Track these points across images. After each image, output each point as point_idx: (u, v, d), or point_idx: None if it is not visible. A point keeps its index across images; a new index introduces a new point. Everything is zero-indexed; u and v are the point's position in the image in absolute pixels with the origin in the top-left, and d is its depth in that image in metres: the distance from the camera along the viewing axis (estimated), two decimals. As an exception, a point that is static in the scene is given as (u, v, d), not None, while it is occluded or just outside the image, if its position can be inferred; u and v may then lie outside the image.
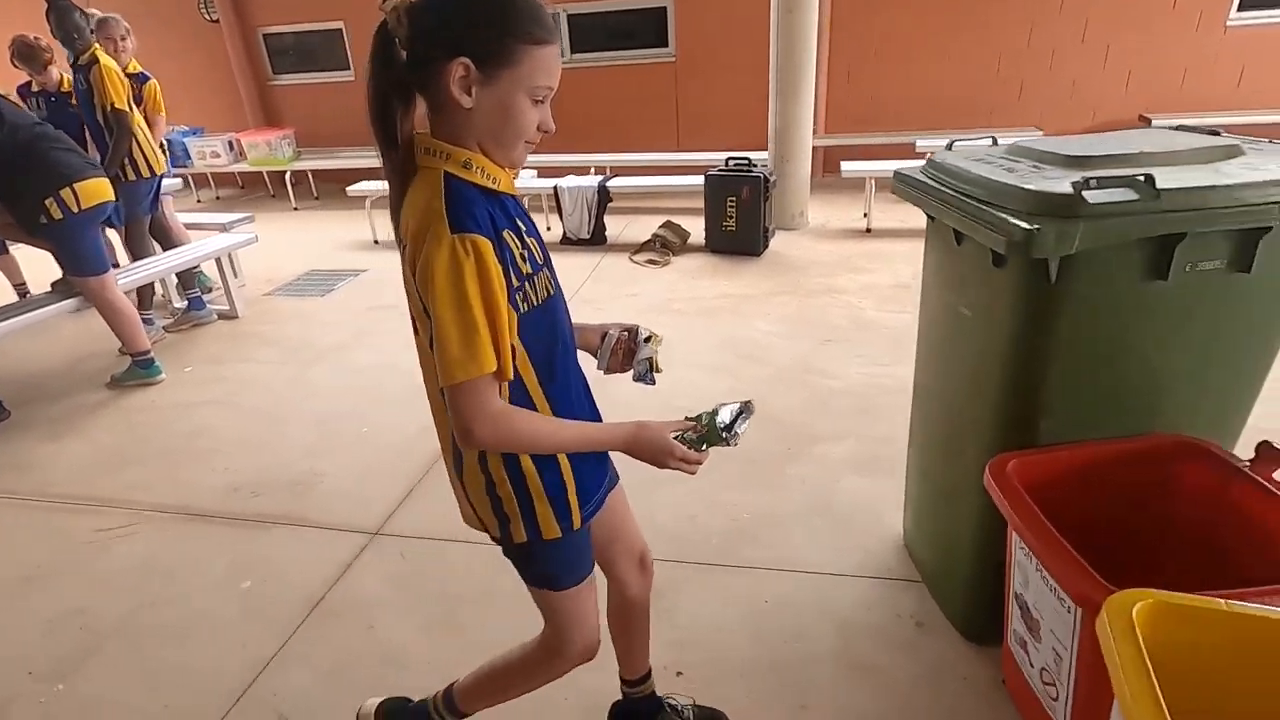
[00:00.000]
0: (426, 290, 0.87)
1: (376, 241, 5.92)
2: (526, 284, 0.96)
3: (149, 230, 4.14)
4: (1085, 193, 1.18)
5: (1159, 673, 0.74)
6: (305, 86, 8.17)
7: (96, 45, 3.71)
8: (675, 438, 1.02)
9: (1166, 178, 1.21)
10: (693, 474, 1.03)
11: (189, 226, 4.78)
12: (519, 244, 0.96)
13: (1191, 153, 1.34)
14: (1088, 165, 1.33)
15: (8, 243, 4.04)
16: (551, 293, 1.03)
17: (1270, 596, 0.96)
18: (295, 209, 7.39)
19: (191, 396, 3.34)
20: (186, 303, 4.28)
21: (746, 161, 4.85)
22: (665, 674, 1.65)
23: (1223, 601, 0.88)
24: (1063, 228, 1.17)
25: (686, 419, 1.07)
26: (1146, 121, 6.19)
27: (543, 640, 1.22)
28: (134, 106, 3.87)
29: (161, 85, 4.28)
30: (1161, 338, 1.33)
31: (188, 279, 4.27)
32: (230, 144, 7.43)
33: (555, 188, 5.45)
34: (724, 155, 5.05)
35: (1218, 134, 1.58)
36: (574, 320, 1.13)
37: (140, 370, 3.47)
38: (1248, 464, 1.29)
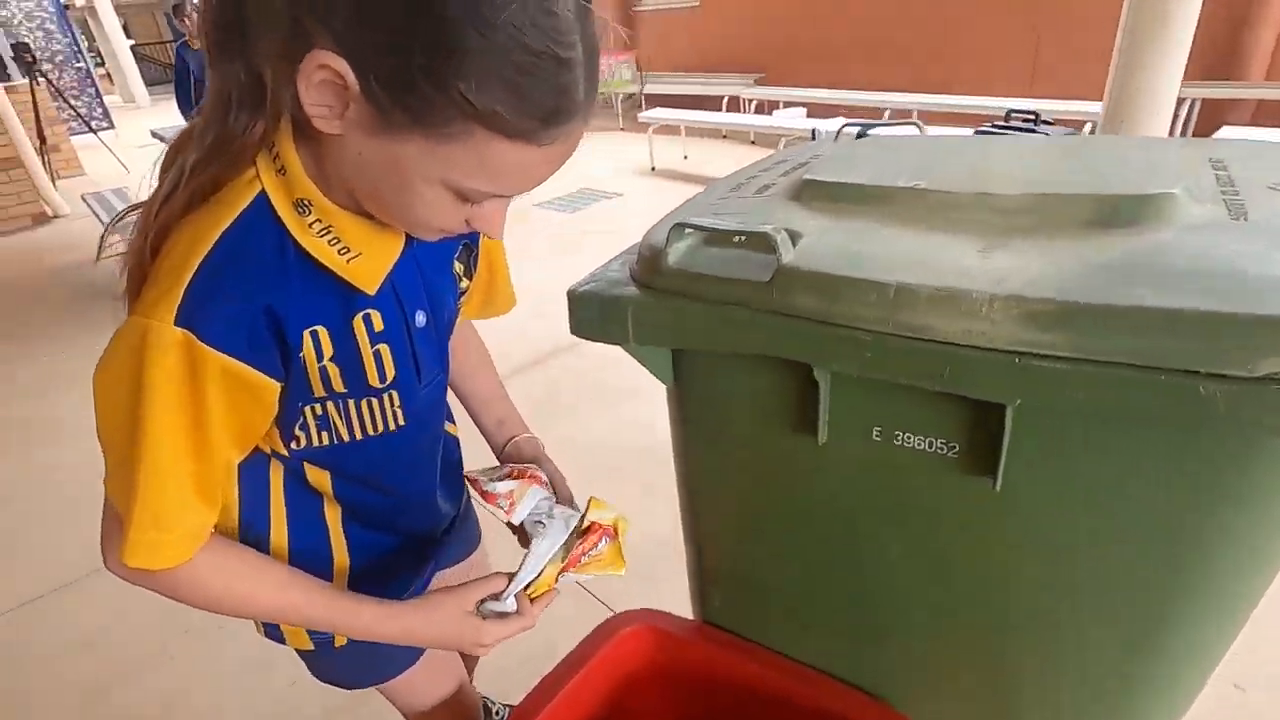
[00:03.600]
0: (104, 409, 0.51)
1: (654, 169, 6.14)
2: (353, 402, 0.61)
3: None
4: (672, 246, 0.69)
5: None
6: (659, 13, 8.60)
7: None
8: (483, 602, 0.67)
9: (870, 243, 0.62)
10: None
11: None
12: (376, 339, 0.60)
13: (1056, 203, 0.64)
14: (828, 197, 0.74)
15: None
16: (403, 424, 0.65)
17: None
18: (621, 129, 8.03)
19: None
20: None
21: (1034, 118, 3.62)
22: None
23: None
24: (618, 303, 0.71)
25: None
26: None
27: None
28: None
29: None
30: (852, 530, 0.72)
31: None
32: (585, 66, 8.37)
33: (814, 131, 4.84)
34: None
35: None
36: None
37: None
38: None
